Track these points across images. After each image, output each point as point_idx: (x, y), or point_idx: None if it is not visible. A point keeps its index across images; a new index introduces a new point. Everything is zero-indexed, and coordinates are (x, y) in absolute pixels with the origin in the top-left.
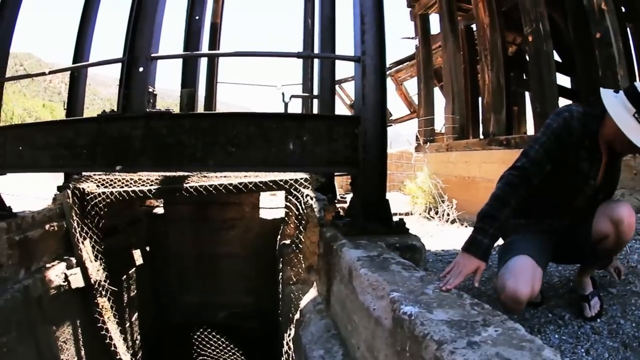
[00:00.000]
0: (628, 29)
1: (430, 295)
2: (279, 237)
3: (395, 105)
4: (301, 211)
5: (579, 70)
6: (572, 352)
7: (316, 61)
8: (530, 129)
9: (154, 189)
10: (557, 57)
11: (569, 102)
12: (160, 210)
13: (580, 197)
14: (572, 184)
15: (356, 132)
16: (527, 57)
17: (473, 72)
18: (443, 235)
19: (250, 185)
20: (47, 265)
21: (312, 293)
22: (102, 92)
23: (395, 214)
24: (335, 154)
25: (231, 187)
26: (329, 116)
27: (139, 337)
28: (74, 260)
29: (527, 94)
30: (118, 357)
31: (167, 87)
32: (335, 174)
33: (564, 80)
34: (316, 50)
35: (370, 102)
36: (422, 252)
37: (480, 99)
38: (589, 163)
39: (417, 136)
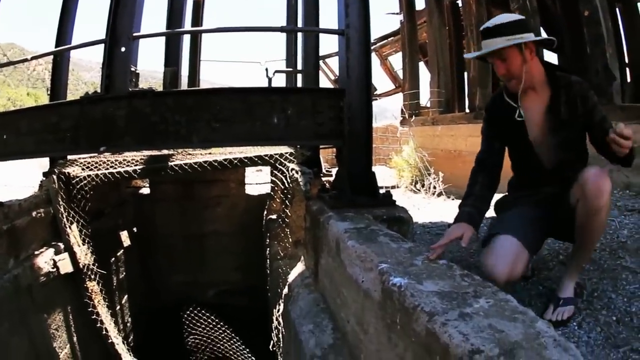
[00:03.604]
0: (617, 8)
1: (420, 266)
2: (265, 212)
3: (380, 80)
4: (287, 185)
5: (567, 48)
6: (563, 324)
7: (300, 36)
8: None
9: (139, 169)
10: (544, 34)
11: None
12: (146, 191)
13: (540, 157)
14: (520, 146)
15: (341, 105)
16: None
17: (458, 47)
18: (430, 208)
19: (235, 161)
20: (36, 252)
21: (300, 267)
22: (86, 77)
23: (382, 187)
24: (321, 127)
25: (216, 164)
26: (313, 89)
27: (129, 319)
28: (62, 245)
29: None
30: (109, 341)
31: (151, 69)
32: (321, 147)
33: (550, 57)
34: (300, 25)
35: (354, 75)
36: (409, 224)
37: (465, 73)
38: (516, 121)
39: (402, 110)
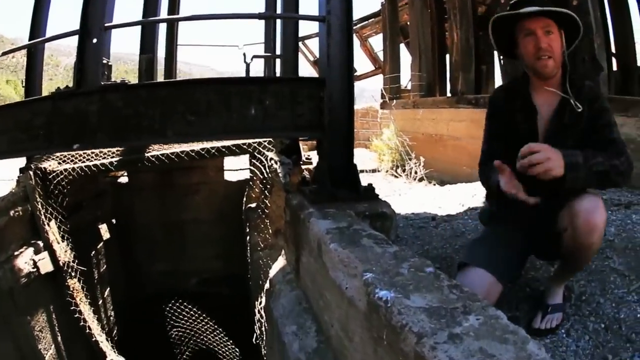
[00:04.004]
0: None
1: (406, 275)
2: (244, 199)
3: (360, 61)
4: (266, 175)
5: None
6: (552, 332)
7: (279, 20)
8: None
9: (115, 161)
10: None
11: None
12: (124, 180)
13: None
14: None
15: (321, 95)
16: None
17: (440, 30)
18: (411, 194)
19: (213, 151)
20: (16, 253)
21: (281, 262)
22: (65, 62)
23: (362, 171)
24: (300, 118)
25: (193, 154)
26: (292, 79)
27: (112, 313)
28: (41, 243)
29: (495, 53)
30: (94, 339)
31: (128, 51)
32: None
33: None
34: (279, 10)
35: (336, 64)
36: (392, 220)
37: (448, 57)
38: (526, 123)
39: (382, 93)
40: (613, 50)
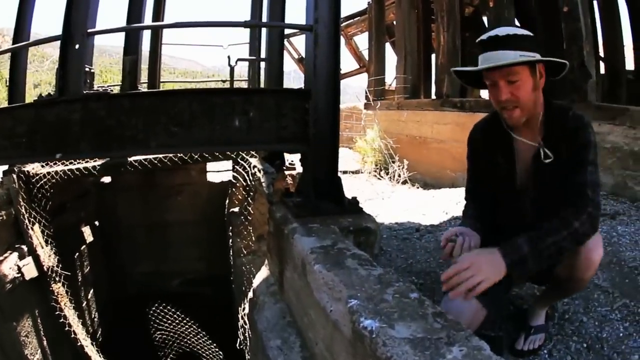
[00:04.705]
0: (595, 2)
1: (391, 302)
2: (227, 201)
3: (344, 59)
4: (249, 182)
5: (541, 42)
6: (534, 353)
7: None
8: (484, 93)
9: (98, 166)
10: (516, 22)
11: None
12: (107, 179)
13: (522, 210)
14: (504, 193)
15: (306, 107)
16: (486, 21)
17: (427, 32)
18: (395, 198)
19: (196, 157)
20: (0, 258)
21: (264, 272)
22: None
23: (346, 172)
24: (285, 130)
25: (176, 159)
26: (277, 90)
27: (95, 314)
28: (25, 248)
29: None
30: (79, 343)
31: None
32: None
33: None
34: (265, 11)
35: (322, 74)
36: (376, 234)
37: (434, 58)
38: (505, 165)
39: (366, 95)
40: (602, 54)
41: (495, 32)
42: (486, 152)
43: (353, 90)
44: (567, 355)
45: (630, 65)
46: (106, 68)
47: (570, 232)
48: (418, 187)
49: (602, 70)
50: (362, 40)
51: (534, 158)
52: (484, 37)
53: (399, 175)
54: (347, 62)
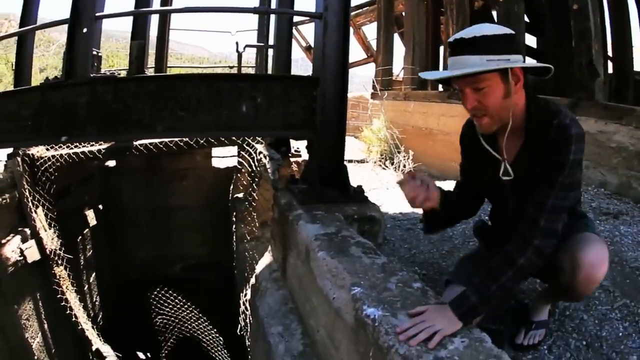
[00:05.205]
0: (605, 2)
1: (394, 291)
2: (231, 187)
3: (352, 49)
4: (254, 168)
5: (549, 39)
6: (534, 348)
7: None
8: None
9: (103, 149)
10: (525, 18)
11: (534, 61)
12: (112, 163)
13: (506, 207)
14: (489, 189)
15: (314, 94)
16: (495, 15)
17: (436, 24)
18: (399, 188)
19: (202, 141)
20: (3, 241)
21: (267, 258)
22: (58, 38)
23: (351, 161)
24: (292, 117)
25: (182, 144)
26: (285, 77)
27: (97, 298)
28: (28, 231)
29: None
30: (80, 327)
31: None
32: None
33: (530, 40)
34: (273, 2)
35: (331, 63)
36: (380, 223)
37: (442, 51)
38: (490, 167)
39: (374, 84)
40: (610, 54)
41: (461, 33)
42: (475, 149)
43: (360, 80)
44: (567, 352)
45: (638, 66)
46: (113, 53)
47: (515, 271)
48: None
49: (610, 70)
50: (371, 31)
51: (516, 161)
52: (450, 39)
53: (404, 166)
54: (355, 51)
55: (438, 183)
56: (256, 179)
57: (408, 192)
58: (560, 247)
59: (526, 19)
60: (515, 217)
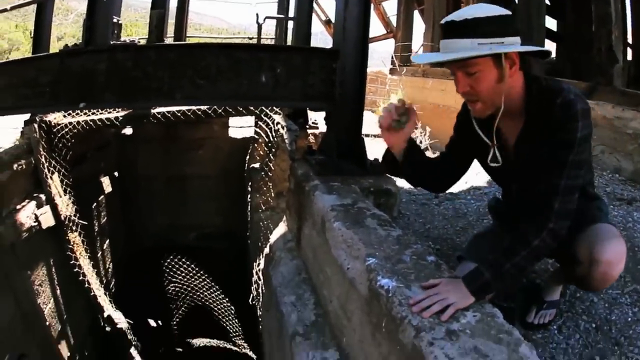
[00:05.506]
0: None
1: (408, 263)
2: (247, 157)
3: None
4: (271, 139)
5: (569, 23)
6: (544, 328)
7: None
8: None
9: (121, 117)
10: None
11: (554, 45)
12: (129, 131)
13: (504, 185)
14: (487, 167)
15: (334, 67)
16: None
17: (456, 2)
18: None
19: (219, 111)
20: (18, 207)
21: (282, 228)
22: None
23: (367, 136)
24: (311, 88)
25: (199, 113)
26: (305, 48)
27: (110, 265)
28: (43, 197)
29: None
30: (92, 293)
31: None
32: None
33: (550, 23)
34: None
35: (351, 37)
36: (396, 197)
37: None
38: (485, 144)
39: (392, 60)
40: (629, 41)
41: (453, 15)
42: (472, 129)
43: (379, 55)
44: (576, 334)
45: None
46: (132, 22)
47: (529, 251)
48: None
49: (629, 57)
50: (391, 6)
51: (518, 140)
52: (442, 21)
53: (421, 142)
54: (375, 27)
55: None
56: (273, 150)
57: (384, 113)
58: (578, 237)
59: (547, 1)
60: (518, 199)
